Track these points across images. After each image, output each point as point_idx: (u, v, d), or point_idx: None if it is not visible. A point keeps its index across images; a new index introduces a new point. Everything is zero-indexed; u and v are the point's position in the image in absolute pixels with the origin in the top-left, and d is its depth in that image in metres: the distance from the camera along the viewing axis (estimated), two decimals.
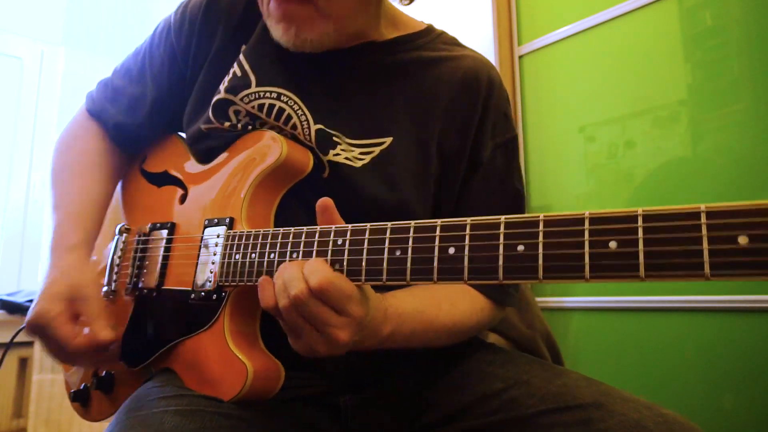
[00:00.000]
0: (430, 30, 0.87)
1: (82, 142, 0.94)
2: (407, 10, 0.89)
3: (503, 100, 0.85)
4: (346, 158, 0.76)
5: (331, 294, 0.55)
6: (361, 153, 0.77)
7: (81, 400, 0.87)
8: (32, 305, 0.73)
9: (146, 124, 0.92)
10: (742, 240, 0.39)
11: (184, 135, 0.92)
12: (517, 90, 2.00)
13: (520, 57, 2.01)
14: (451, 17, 2.27)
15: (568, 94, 1.86)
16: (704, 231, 0.40)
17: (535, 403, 0.66)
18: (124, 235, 0.89)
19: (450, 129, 0.79)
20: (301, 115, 0.77)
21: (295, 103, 0.78)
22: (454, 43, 0.88)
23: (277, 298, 0.58)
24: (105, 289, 0.88)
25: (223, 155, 0.81)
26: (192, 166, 0.87)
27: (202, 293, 0.73)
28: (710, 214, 0.40)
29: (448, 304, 0.73)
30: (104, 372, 0.84)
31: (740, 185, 1.43)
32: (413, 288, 0.73)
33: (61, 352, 0.73)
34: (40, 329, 0.72)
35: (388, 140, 0.77)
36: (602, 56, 1.77)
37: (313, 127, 0.77)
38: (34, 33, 2.35)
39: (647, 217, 0.42)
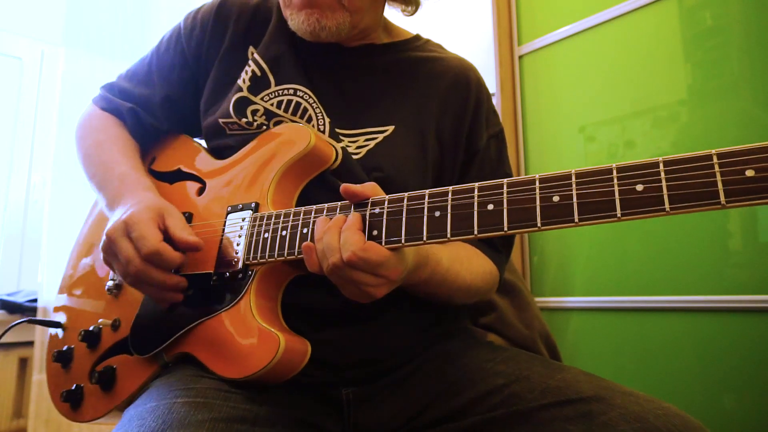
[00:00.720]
0: (419, 37, 0.98)
1: (109, 129, 0.96)
2: (395, 20, 0.99)
3: (490, 98, 0.96)
4: (350, 152, 0.81)
5: (360, 266, 0.60)
6: (366, 140, 0.83)
7: (72, 400, 0.85)
8: (120, 215, 0.74)
9: (159, 121, 0.95)
10: (749, 173, 0.47)
11: (195, 139, 0.96)
12: (517, 90, 2.00)
13: (520, 57, 2.01)
14: (451, 17, 2.27)
15: (568, 94, 1.86)
16: (717, 168, 0.48)
17: (536, 397, 0.67)
18: None
19: (446, 119, 0.88)
20: (316, 108, 0.83)
21: (311, 97, 0.84)
22: (440, 47, 0.99)
23: (320, 262, 0.64)
24: (109, 283, 0.88)
25: (245, 149, 0.84)
26: (208, 161, 0.89)
27: (227, 274, 0.74)
28: (720, 155, 0.48)
29: (467, 261, 0.80)
30: (104, 366, 0.83)
31: None
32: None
33: (137, 256, 0.72)
34: (131, 226, 0.72)
35: (390, 128, 0.84)
36: (602, 56, 1.77)
37: (327, 120, 0.83)
38: (34, 33, 2.35)
39: (667, 162, 0.50)
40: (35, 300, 2.01)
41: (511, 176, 0.90)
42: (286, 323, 0.73)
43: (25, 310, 2.02)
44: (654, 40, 1.64)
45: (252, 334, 0.68)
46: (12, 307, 2.03)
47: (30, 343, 1.94)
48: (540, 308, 1.26)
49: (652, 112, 1.63)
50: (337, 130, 0.83)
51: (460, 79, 0.91)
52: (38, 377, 1.91)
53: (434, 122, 0.87)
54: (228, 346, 0.70)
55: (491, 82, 2.00)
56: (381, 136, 0.83)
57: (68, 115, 2.06)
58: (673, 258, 1.54)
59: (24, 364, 2.03)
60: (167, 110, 0.94)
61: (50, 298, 1.95)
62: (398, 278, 0.64)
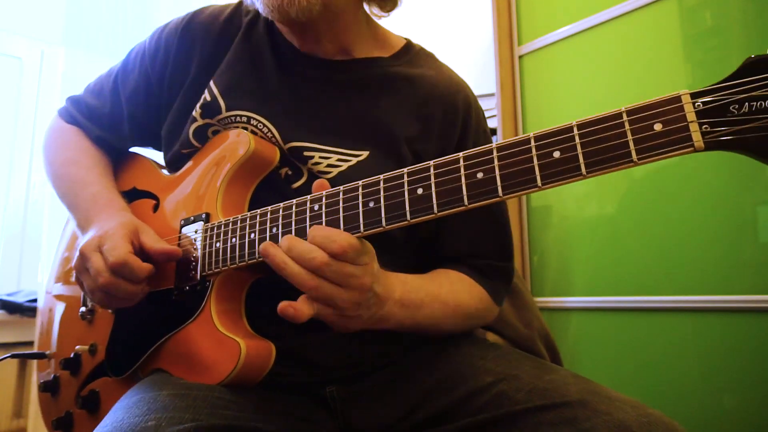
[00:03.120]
0: (409, 47, 0.92)
1: (78, 143, 0.95)
2: (394, 20, 0.93)
3: (481, 119, 0.90)
4: (319, 171, 0.80)
5: (349, 255, 0.60)
6: (338, 159, 0.80)
7: (63, 427, 0.86)
8: (94, 232, 0.75)
9: (126, 140, 0.96)
10: (658, 126, 0.48)
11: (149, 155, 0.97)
12: (517, 90, 2.00)
13: (520, 57, 2.01)
14: (452, 17, 2.27)
15: (568, 94, 1.86)
16: (627, 126, 0.49)
17: (522, 398, 0.66)
18: None
19: (429, 144, 0.83)
20: (272, 137, 0.81)
21: (264, 125, 0.81)
22: (432, 58, 0.93)
23: (299, 276, 0.61)
24: (82, 309, 0.88)
25: (192, 160, 0.84)
26: (160, 177, 0.90)
27: (186, 287, 0.75)
28: (630, 112, 0.50)
29: (447, 282, 0.79)
30: (88, 391, 0.84)
31: (740, 184, 1.43)
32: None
33: (105, 269, 0.71)
34: (104, 239, 0.72)
35: (365, 154, 0.81)
36: (602, 56, 1.77)
37: (285, 147, 0.80)
38: (34, 33, 2.35)
39: (581, 126, 0.51)
40: (35, 300, 2.01)
41: (504, 208, 0.89)
42: (267, 330, 0.73)
43: (24, 310, 2.02)
44: (654, 40, 1.64)
45: (215, 343, 0.70)
46: (12, 307, 2.03)
47: (30, 344, 1.94)
48: (540, 308, 1.26)
49: None
50: (305, 154, 0.80)
51: (448, 101, 0.86)
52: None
53: (414, 145, 0.83)
54: (195, 358, 0.71)
55: (491, 82, 2.00)
56: (355, 160, 0.80)
57: None
58: (673, 258, 1.54)
59: (24, 364, 2.03)
60: (135, 129, 0.93)
61: None
62: (373, 268, 0.63)
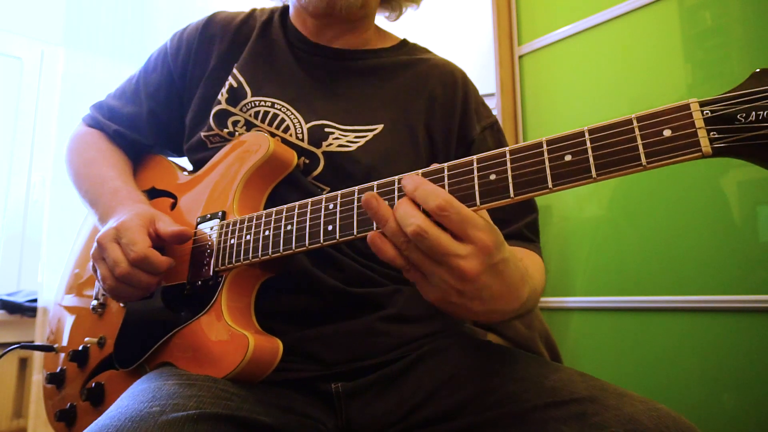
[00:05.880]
0: (406, 42, 1.04)
1: (98, 144, 1.01)
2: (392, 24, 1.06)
3: (477, 92, 0.99)
4: (340, 145, 0.85)
5: (450, 214, 0.53)
6: (355, 137, 0.86)
7: (67, 419, 0.87)
8: (112, 223, 0.77)
9: (144, 136, 1.01)
10: (667, 132, 0.50)
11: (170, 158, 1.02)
12: (517, 90, 2.01)
13: (520, 57, 2.01)
14: (452, 17, 2.27)
15: (568, 94, 1.86)
16: (637, 131, 0.51)
17: (531, 398, 0.66)
18: None
19: (435, 115, 0.92)
20: (294, 118, 0.86)
21: (288, 109, 0.88)
22: (426, 50, 1.03)
23: (394, 242, 0.56)
24: (93, 303, 0.90)
25: (213, 160, 0.87)
26: (179, 176, 0.93)
27: (198, 282, 0.76)
28: (640, 119, 0.51)
29: (534, 267, 0.79)
30: (94, 383, 0.84)
31: (740, 184, 1.43)
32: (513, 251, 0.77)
33: (124, 260, 0.73)
34: (121, 231, 0.75)
35: (380, 127, 0.88)
36: (602, 56, 1.77)
37: (306, 126, 0.86)
38: (34, 33, 2.35)
39: (592, 131, 0.53)
40: (35, 300, 2.01)
41: None
42: (271, 327, 0.75)
43: (25, 310, 2.02)
44: (654, 40, 1.64)
45: (223, 337, 0.71)
46: (12, 307, 2.03)
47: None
48: (540, 308, 1.26)
49: None
50: (326, 130, 0.86)
51: (446, 76, 0.95)
52: (38, 377, 1.90)
53: (423, 119, 0.91)
54: (203, 351, 0.72)
55: (491, 82, 2.00)
56: (371, 134, 0.87)
57: (68, 115, 2.06)
58: (673, 258, 1.54)
59: (24, 364, 2.03)
60: (153, 126, 0.99)
61: (50, 298, 1.95)
62: (491, 252, 0.54)
